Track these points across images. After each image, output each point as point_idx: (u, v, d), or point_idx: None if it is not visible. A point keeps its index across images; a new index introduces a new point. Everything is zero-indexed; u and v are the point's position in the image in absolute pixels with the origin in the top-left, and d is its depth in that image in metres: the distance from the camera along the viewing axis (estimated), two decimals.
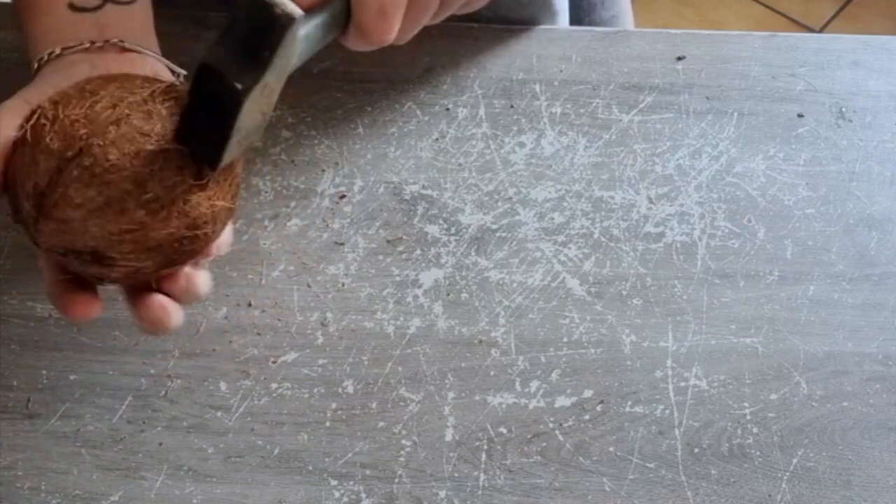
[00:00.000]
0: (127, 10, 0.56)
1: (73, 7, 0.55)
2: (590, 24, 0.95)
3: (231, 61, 0.42)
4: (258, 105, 0.45)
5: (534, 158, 0.72)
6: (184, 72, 0.58)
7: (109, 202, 0.44)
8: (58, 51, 0.53)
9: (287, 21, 0.42)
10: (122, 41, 0.54)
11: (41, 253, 0.48)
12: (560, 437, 0.60)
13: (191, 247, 0.47)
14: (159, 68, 0.54)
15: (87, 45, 0.53)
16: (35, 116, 0.46)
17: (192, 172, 0.46)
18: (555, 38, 0.78)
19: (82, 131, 0.44)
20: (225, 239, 0.51)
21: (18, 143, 0.46)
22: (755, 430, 0.61)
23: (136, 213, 0.44)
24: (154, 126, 0.45)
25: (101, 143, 0.44)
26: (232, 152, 0.45)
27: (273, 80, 0.44)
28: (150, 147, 0.44)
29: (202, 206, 0.46)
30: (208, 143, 0.45)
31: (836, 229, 0.69)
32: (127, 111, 0.45)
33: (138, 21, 0.57)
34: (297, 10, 0.42)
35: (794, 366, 0.63)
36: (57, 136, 0.44)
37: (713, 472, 0.59)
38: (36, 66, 0.54)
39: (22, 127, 0.46)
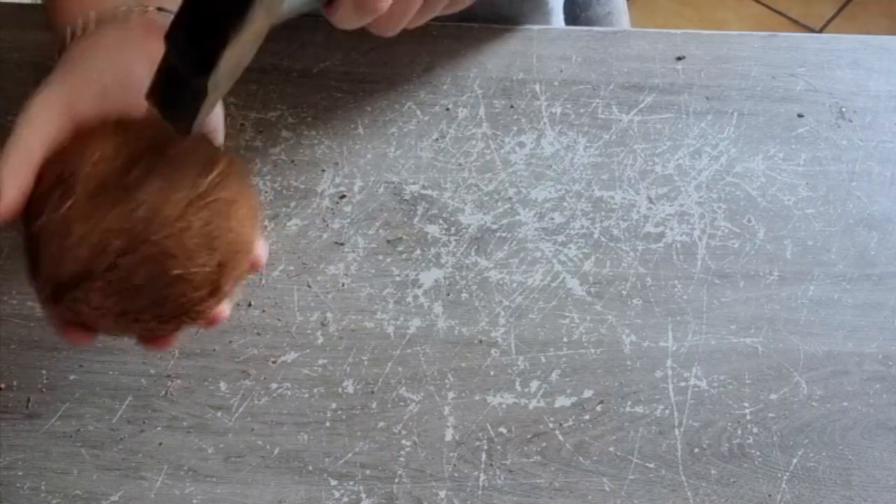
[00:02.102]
0: None
1: None
2: (585, 20, 0.95)
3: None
4: (238, 51, 0.43)
5: (534, 158, 0.72)
6: None
7: (126, 312, 0.45)
8: (94, 16, 0.52)
9: None
10: (161, 8, 0.52)
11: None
12: (560, 437, 0.60)
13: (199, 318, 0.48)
14: None
15: (125, 9, 0.52)
16: (69, 203, 0.44)
17: (208, 289, 0.46)
18: (554, 38, 0.78)
19: (115, 244, 0.44)
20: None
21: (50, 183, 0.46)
22: (755, 430, 0.61)
23: (149, 324, 0.46)
24: (183, 247, 0.45)
25: (132, 261, 0.44)
26: (206, 110, 0.44)
27: (258, 25, 0.43)
28: (175, 272, 0.45)
29: (210, 309, 0.48)
30: (181, 102, 0.44)
31: (836, 229, 0.69)
32: (162, 234, 0.44)
33: None
34: None
35: (794, 366, 0.63)
36: (88, 243, 0.44)
37: (713, 472, 0.59)
38: (68, 35, 0.53)
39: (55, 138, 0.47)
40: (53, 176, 0.45)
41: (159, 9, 0.53)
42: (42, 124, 0.48)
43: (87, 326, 0.48)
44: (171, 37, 0.42)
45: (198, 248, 0.45)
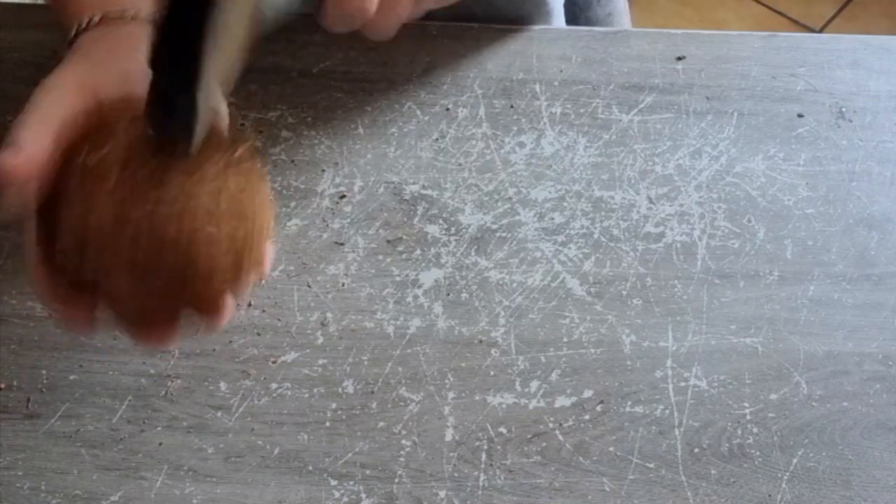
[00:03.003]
0: None
1: None
2: (585, 21, 0.95)
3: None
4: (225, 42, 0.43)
5: (534, 158, 0.72)
6: None
7: (150, 270, 0.45)
8: (98, 17, 0.52)
9: None
10: None
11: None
12: (560, 437, 0.60)
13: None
14: None
15: (132, 12, 0.52)
16: (96, 211, 0.44)
17: (232, 259, 0.46)
18: (555, 38, 0.78)
19: (153, 193, 0.43)
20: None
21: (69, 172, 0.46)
22: (755, 430, 0.61)
23: (172, 287, 0.45)
24: (217, 206, 0.45)
25: (168, 211, 0.43)
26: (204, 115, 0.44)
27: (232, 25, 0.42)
28: (207, 229, 0.44)
29: (227, 288, 0.47)
30: (175, 121, 0.44)
31: (836, 229, 0.69)
32: (200, 189, 0.44)
33: None
34: None
35: (794, 366, 0.63)
36: (120, 194, 0.43)
37: (713, 472, 0.59)
38: (74, 32, 0.53)
39: (73, 123, 0.46)
40: (80, 158, 0.45)
41: None
42: (63, 95, 0.47)
43: (98, 296, 0.47)
44: (152, 58, 0.42)
45: (229, 212, 0.45)
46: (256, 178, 0.47)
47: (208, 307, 0.47)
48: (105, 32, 0.52)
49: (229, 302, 0.48)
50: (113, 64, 0.50)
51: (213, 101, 0.45)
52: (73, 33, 0.53)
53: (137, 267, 0.44)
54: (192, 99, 0.42)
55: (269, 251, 0.50)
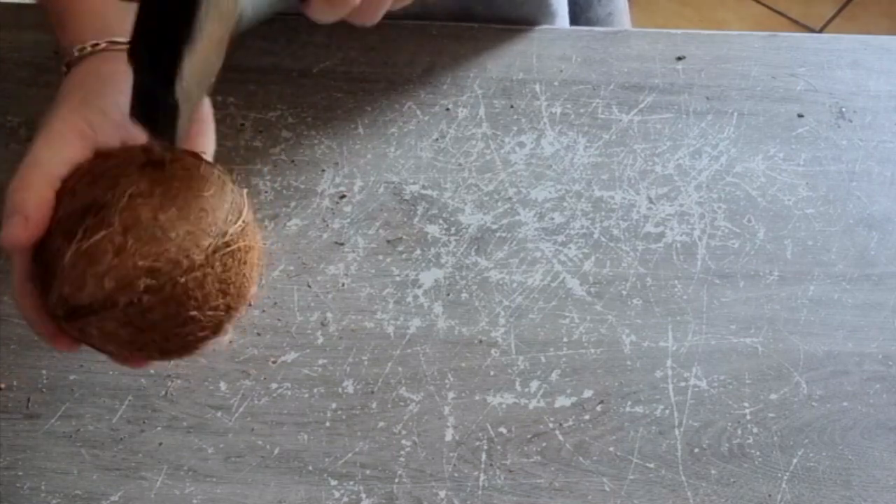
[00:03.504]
0: None
1: None
2: (586, 21, 0.95)
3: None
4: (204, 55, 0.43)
5: (534, 158, 0.72)
6: None
7: (133, 342, 0.47)
8: (104, 44, 0.52)
9: None
10: None
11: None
12: (560, 437, 0.60)
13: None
14: None
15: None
16: (103, 233, 0.45)
17: (213, 329, 0.48)
18: (555, 38, 0.78)
19: (144, 281, 0.44)
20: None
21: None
22: (755, 430, 0.61)
23: (151, 353, 0.48)
24: (203, 291, 0.46)
25: (155, 299, 0.45)
26: (184, 119, 0.45)
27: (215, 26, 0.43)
28: (191, 313, 0.46)
29: (208, 346, 0.49)
30: (159, 116, 0.44)
31: (836, 229, 0.69)
32: (188, 276, 0.45)
33: None
34: None
35: (794, 366, 0.63)
36: (117, 275, 0.44)
37: (713, 472, 0.59)
38: (76, 54, 0.53)
39: (77, 165, 0.48)
40: (82, 200, 0.46)
41: None
42: (62, 146, 0.48)
43: (80, 341, 0.49)
44: (132, 54, 0.43)
45: (214, 292, 0.47)
46: (252, 240, 0.49)
47: (190, 355, 0.50)
48: (103, 62, 0.52)
49: (209, 345, 0.49)
50: (112, 105, 0.50)
51: (194, 94, 0.45)
52: (73, 56, 0.53)
53: (123, 340, 0.47)
54: (173, 97, 0.43)
55: (255, 294, 0.51)
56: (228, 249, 0.47)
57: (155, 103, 0.44)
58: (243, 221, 0.48)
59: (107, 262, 0.44)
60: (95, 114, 0.50)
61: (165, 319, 0.46)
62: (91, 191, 0.46)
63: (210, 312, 0.47)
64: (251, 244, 0.48)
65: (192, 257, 0.45)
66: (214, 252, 0.46)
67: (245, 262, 0.48)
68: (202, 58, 0.43)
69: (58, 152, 0.48)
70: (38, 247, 0.47)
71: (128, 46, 0.42)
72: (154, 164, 0.47)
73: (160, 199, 0.46)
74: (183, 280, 0.45)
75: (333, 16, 0.47)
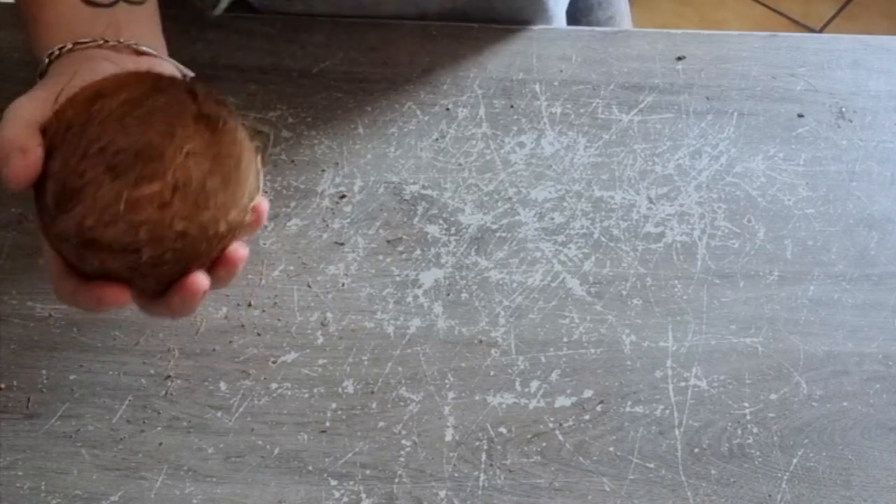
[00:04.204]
0: (139, 10, 0.55)
1: (85, 1, 0.54)
2: (587, 24, 0.95)
3: None
4: None
5: (534, 158, 0.72)
6: (192, 73, 0.57)
7: (129, 280, 0.46)
8: (70, 45, 0.52)
9: None
10: (136, 43, 0.53)
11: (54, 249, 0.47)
12: (560, 437, 0.60)
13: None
14: (172, 72, 0.54)
15: (101, 42, 0.52)
16: (153, 189, 0.44)
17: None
18: (555, 38, 0.78)
19: (171, 243, 0.44)
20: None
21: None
22: (755, 430, 0.61)
23: (138, 289, 0.47)
24: (208, 259, 0.46)
25: (171, 258, 0.45)
26: None
27: None
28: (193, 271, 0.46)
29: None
30: None
31: (836, 229, 0.69)
32: (210, 244, 0.46)
33: (150, 23, 0.56)
34: None
35: (794, 366, 0.63)
36: (152, 229, 0.44)
37: (713, 472, 0.59)
38: (46, 60, 0.53)
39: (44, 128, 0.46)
40: (136, 138, 0.44)
41: (136, 44, 0.53)
42: (35, 102, 0.47)
43: (65, 258, 0.47)
44: None
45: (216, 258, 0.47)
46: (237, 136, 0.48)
47: (218, 262, 0.48)
48: (78, 56, 0.52)
49: (239, 251, 0.48)
50: (80, 75, 0.49)
51: None
52: (45, 63, 0.53)
53: (121, 277, 0.45)
54: None
55: (263, 202, 0.50)
56: (244, 223, 0.47)
57: None
58: (257, 197, 0.48)
59: (146, 214, 0.43)
60: (63, 80, 0.49)
61: (171, 274, 0.46)
62: (145, 131, 0.44)
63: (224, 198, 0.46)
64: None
65: (218, 227, 0.45)
66: (235, 225, 0.46)
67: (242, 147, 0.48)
68: None
69: (29, 105, 0.47)
70: (53, 157, 0.45)
71: None
72: (207, 121, 0.46)
73: (210, 164, 0.45)
74: (204, 247, 0.45)
75: None
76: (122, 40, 0.53)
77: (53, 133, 0.46)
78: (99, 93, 0.46)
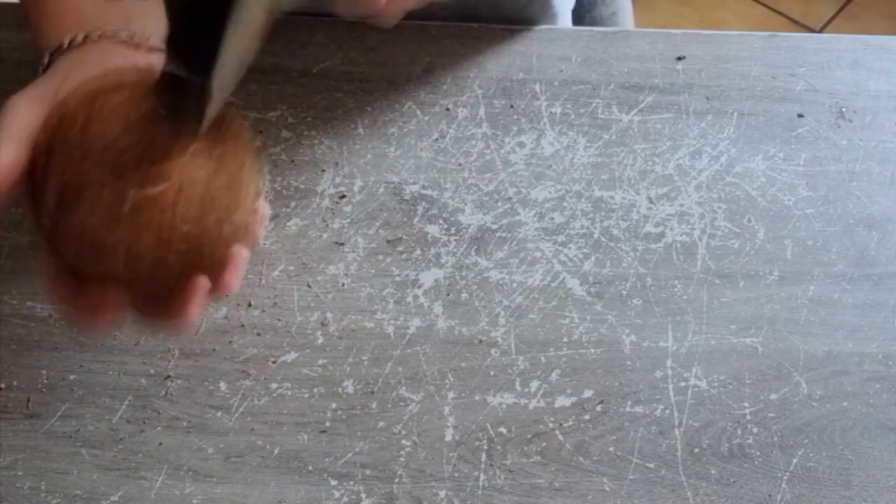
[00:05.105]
0: (148, 4, 0.54)
1: None
2: (590, 20, 0.95)
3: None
4: (239, 40, 0.42)
5: (534, 158, 0.72)
6: None
7: (126, 281, 0.45)
8: (81, 37, 0.51)
9: None
10: (147, 39, 0.52)
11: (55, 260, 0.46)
12: (560, 437, 0.60)
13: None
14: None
15: (112, 34, 0.51)
16: (158, 190, 0.43)
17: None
18: (555, 38, 0.78)
19: (176, 245, 0.43)
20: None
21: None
22: (755, 430, 0.61)
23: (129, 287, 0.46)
24: (208, 260, 0.45)
25: (174, 260, 0.44)
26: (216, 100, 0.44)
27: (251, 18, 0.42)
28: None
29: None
30: (187, 105, 0.43)
31: (836, 229, 0.69)
32: (212, 246, 0.45)
33: (159, 17, 0.56)
34: None
35: (794, 366, 0.63)
36: (156, 231, 0.43)
37: (713, 472, 0.59)
38: (50, 55, 0.52)
39: (48, 122, 0.45)
40: (141, 137, 0.44)
41: (147, 39, 0.53)
42: (26, 109, 0.46)
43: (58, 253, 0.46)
44: (169, 40, 0.42)
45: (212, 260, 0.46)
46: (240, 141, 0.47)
47: (220, 265, 0.47)
48: (75, 53, 0.51)
49: (241, 253, 0.47)
50: (77, 76, 0.48)
51: (228, 83, 0.44)
52: (47, 57, 0.52)
53: (139, 255, 0.44)
54: (208, 86, 0.42)
55: (264, 207, 0.49)
56: (247, 226, 0.46)
57: (184, 92, 0.42)
58: (257, 199, 0.47)
59: (151, 216, 0.42)
60: (58, 80, 0.48)
61: (172, 277, 0.45)
62: (150, 129, 0.43)
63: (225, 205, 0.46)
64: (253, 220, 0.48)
65: (222, 230, 0.44)
66: (239, 228, 0.46)
67: (243, 155, 0.47)
68: (241, 45, 0.42)
69: (18, 114, 0.46)
70: (54, 155, 0.44)
71: (166, 32, 0.41)
72: (211, 122, 0.45)
73: (216, 164, 0.44)
74: (207, 249, 0.44)
75: (358, 14, 0.47)
76: (133, 35, 0.52)
77: (54, 129, 0.44)
78: (102, 89, 0.45)
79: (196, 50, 0.41)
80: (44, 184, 0.44)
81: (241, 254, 0.47)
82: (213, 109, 0.44)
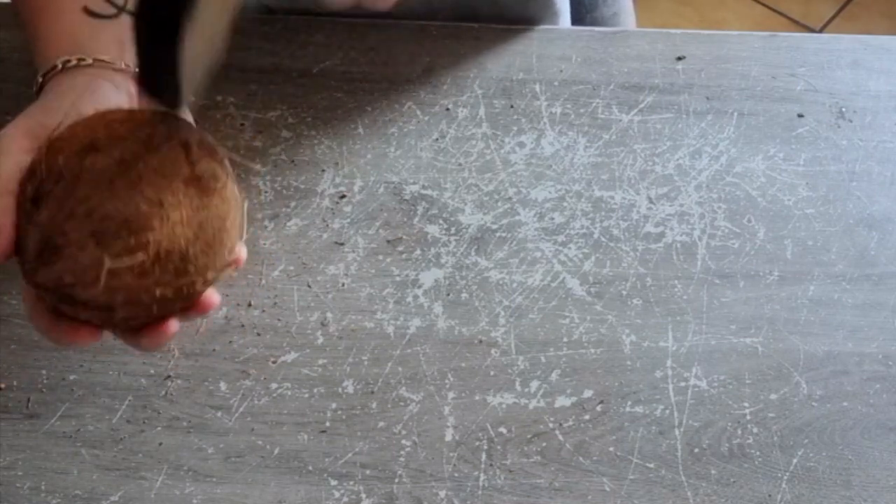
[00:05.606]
0: None
1: (88, 12, 0.53)
2: (591, 21, 0.95)
3: None
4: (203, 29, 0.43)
5: (534, 158, 0.72)
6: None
7: (100, 324, 0.47)
8: (74, 61, 0.51)
9: None
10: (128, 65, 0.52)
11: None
12: (560, 437, 0.60)
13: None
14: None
15: (105, 61, 0.51)
16: (136, 260, 0.44)
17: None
18: (555, 38, 0.78)
19: (149, 307, 0.45)
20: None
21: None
22: (755, 430, 0.61)
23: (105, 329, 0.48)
24: (181, 306, 0.47)
25: (144, 316, 0.46)
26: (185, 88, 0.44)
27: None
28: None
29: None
30: (162, 78, 0.44)
31: (836, 229, 0.69)
32: (183, 302, 0.46)
33: None
34: None
35: (794, 366, 0.63)
36: (130, 294, 0.44)
37: (713, 472, 0.59)
38: (42, 76, 0.52)
39: (38, 152, 0.46)
40: (124, 204, 0.44)
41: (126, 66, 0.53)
42: (10, 143, 0.47)
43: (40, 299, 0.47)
44: (137, 13, 0.42)
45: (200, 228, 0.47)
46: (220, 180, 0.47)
47: (195, 307, 0.48)
48: (66, 76, 0.51)
49: (213, 296, 0.48)
50: (69, 107, 0.48)
51: (199, 65, 0.45)
52: (40, 80, 0.52)
53: (92, 323, 0.47)
54: (177, 54, 0.42)
55: (241, 249, 0.50)
56: (220, 277, 0.48)
57: (158, 64, 0.43)
58: (238, 246, 0.49)
59: (126, 281, 0.44)
60: (48, 112, 0.48)
61: (142, 325, 0.47)
62: (133, 197, 0.44)
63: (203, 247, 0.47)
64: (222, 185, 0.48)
65: (195, 287, 0.46)
66: (212, 281, 0.47)
67: (223, 195, 0.48)
68: (209, 18, 0.43)
69: (8, 157, 0.46)
70: (40, 207, 0.45)
71: (134, 13, 0.42)
72: (197, 183, 0.46)
73: (195, 232, 0.45)
74: (179, 305, 0.47)
75: (350, 2, 0.46)
76: (126, 62, 0.52)
77: (42, 180, 0.45)
78: (93, 144, 0.45)
79: (161, 19, 0.42)
80: (26, 231, 0.46)
81: (213, 298, 0.48)
82: (188, 80, 0.44)
